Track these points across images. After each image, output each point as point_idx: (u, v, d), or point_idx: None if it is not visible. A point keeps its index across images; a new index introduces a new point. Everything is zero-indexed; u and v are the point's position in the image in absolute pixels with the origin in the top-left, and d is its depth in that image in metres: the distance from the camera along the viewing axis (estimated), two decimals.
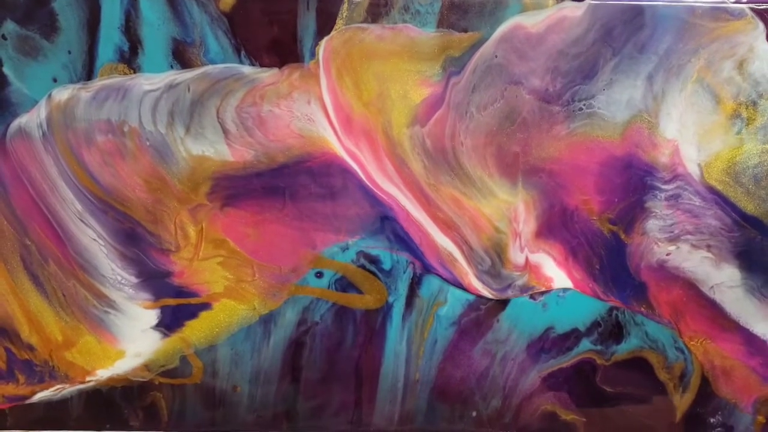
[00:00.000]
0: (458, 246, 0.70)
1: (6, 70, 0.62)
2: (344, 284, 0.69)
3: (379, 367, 0.72)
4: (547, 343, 0.72)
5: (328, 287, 0.70)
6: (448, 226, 0.69)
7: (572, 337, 0.72)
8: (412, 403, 0.73)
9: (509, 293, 0.71)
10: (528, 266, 0.70)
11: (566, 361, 0.73)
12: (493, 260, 0.70)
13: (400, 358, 0.72)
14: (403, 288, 0.70)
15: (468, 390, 0.73)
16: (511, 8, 0.62)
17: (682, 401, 0.74)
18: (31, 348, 0.72)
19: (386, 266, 0.69)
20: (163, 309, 0.70)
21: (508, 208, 0.68)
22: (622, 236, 0.70)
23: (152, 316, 0.71)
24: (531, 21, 0.63)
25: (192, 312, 0.71)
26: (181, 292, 0.70)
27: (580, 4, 0.62)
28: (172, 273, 0.69)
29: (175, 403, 0.73)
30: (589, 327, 0.72)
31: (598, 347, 0.72)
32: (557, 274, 0.71)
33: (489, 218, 0.69)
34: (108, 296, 0.70)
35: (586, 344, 0.72)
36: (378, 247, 0.69)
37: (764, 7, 0.64)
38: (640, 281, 0.71)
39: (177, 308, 0.70)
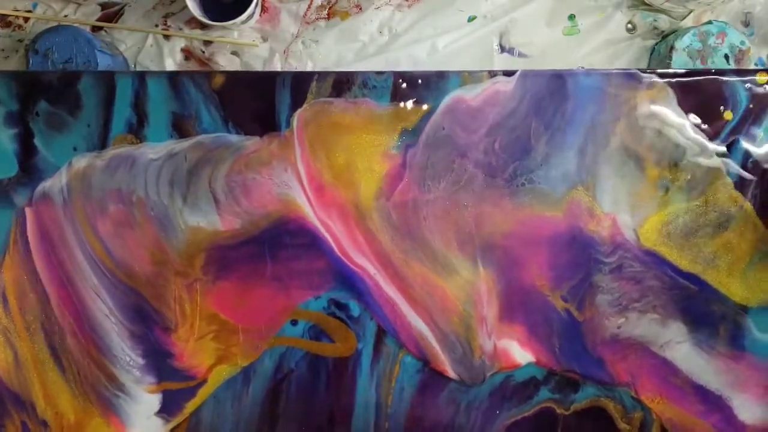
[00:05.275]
0: (430, 328, 0.74)
1: (36, 141, 0.73)
2: (317, 332, 0.74)
3: (351, 416, 0.74)
4: (507, 391, 0.74)
5: (303, 335, 0.74)
6: (419, 305, 0.74)
7: (531, 384, 0.74)
8: None
9: (484, 381, 0.74)
10: (496, 353, 0.74)
11: (528, 410, 0.74)
12: (465, 348, 0.74)
13: (370, 406, 0.74)
14: (370, 335, 0.73)
15: None
16: (452, 81, 0.71)
17: None
18: (45, 424, 0.75)
19: (355, 313, 0.73)
20: (165, 393, 0.75)
21: (471, 288, 0.73)
22: (575, 314, 0.73)
23: (155, 401, 0.75)
24: (470, 94, 0.72)
25: (191, 393, 0.75)
26: (180, 375, 0.75)
27: (510, 78, 0.71)
28: (173, 355, 0.74)
29: None
30: (546, 375, 0.73)
31: (557, 395, 0.73)
32: (523, 356, 0.74)
33: (456, 299, 0.73)
34: (118, 378, 0.75)
35: (545, 393, 0.74)
36: (347, 298, 0.73)
37: (670, 80, 0.72)
38: (597, 357, 0.74)
39: (177, 392, 0.75)
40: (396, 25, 0.90)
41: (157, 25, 0.88)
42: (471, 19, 0.90)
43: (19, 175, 0.73)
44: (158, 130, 0.73)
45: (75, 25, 0.84)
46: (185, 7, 0.83)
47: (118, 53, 0.87)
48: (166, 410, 0.74)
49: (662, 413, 0.73)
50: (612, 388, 0.73)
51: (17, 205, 0.73)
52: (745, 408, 0.73)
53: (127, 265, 0.73)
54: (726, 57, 0.83)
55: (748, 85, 0.71)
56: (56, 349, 0.75)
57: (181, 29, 0.89)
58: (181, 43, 0.89)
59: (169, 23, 0.89)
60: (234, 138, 0.72)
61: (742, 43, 0.82)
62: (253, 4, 0.83)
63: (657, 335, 0.73)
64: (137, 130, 0.73)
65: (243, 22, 0.85)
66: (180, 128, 0.73)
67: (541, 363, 0.73)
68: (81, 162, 0.73)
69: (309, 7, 0.89)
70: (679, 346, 0.73)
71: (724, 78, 0.72)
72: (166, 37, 0.88)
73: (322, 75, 0.72)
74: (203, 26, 0.88)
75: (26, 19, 0.87)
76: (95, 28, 0.87)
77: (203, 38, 0.88)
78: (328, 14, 0.89)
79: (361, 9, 0.89)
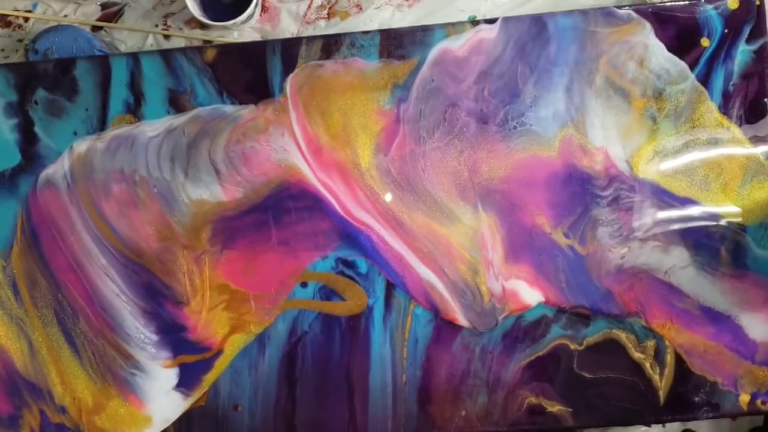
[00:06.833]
0: (439, 278, 0.74)
1: (37, 129, 0.74)
2: (327, 292, 0.74)
3: (368, 374, 0.74)
4: (520, 333, 0.74)
5: (313, 297, 0.74)
6: (425, 256, 0.74)
7: (542, 323, 0.74)
8: (402, 407, 0.74)
9: (497, 326, 0.75)
10: (505, 295, 0.74)
11: (541, 349, 0.74)
12: (474, 294, 0.74)
13: (386, 360, 0.74)
14: (380, 290, 0.74)
15: (454, 388, 0.74)
16: (437, 34, 0.73)
17: (663, 383, 0.73)
18: (63, 410, 0.75)
19: (362, 270, 0.74)
20: (181, 367, 0.75)
21: (475, 234, 0.74)
22: (578, 249, 0.74)
23: (172, 376, 0.75)
24: (455, 45, 0.73)
25: (208, 365, 0.75)
26: (195, 348, 0.75)
27: (493, 26, 0.73)
28: (186, 328, 0.75)
29: (182, 427, 0.74)
30: (556, 313, 0.74)
31: (569, 332, 0.74)
32: (532, 296, 0.74)
33: (461, 247, 0.74)
34: (133, 356, 0.75)
35: (557, 330, 0.74)
36: (353, 255, 0.74)
37: (646, 13, 0.74)
38: (604, 289, 0.74)
39: (194, 364, 0.75)
40: (396, 25, 0.90)
41: (157, 25, 0.90)
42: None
43: (22, 164, 0.74)
44: (155, 107, 0.74)
45: (75, 25, 0.86)
46: (185, 7, 0.84)
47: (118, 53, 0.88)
48: (183, 384, 0.74)
49: (674, 339, 0.74)
50: (622, 319, 0.74)
51: (22, 194, 0.74)
52: (754, 326, 0.74)
53: (134, 244, 0.74)
54: None
55: (720, 10, 0.74)
56: (70, 335, 0.75)
57: (181, 29, 0.90)
58: (181, 43, 0.90)
59: (169, 23, 0.90)
60: (229, 108, 0.74)
61: None
62: (253, 4, 0.85)
63: (660, 262, 0.74)
64: (135, 110, 0.74)
65: (243, 22, 0.86)
66: (176, 104, 0.74)
67: (550, 301, 0.74)
68: (82, 146, 0.74)
69: (309, 7, 0.90)
70: (683, 271, 0.74)
71: (698, 6, 0.74)
72: (166, 37, 0.90)
73: (311, 39, 0.73)
74: (203, 26, 0.89)
75: (26, 19, 0.88)
76: (95, 28, 0.89)
77: (203, 38, 0.90)
78: (328, 14, 0.91)
79: (361, 9, 0.90)
